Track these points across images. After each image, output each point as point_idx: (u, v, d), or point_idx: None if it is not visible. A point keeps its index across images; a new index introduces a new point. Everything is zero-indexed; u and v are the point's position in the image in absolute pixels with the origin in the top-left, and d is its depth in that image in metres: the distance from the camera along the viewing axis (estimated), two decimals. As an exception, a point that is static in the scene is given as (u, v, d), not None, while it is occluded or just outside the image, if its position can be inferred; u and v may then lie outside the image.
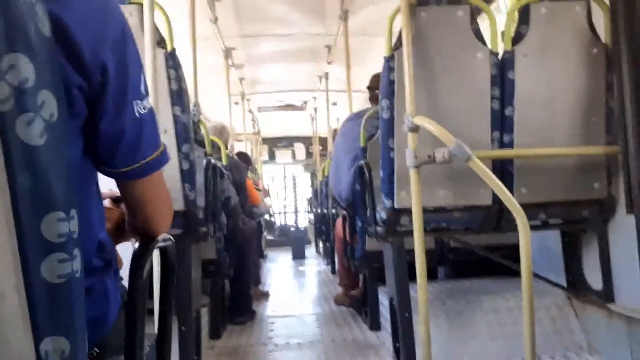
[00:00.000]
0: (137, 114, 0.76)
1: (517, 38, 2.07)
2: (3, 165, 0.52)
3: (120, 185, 0.83)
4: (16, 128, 0.52)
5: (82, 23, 0.67)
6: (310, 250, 8.30)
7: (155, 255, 1.07)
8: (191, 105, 2.30)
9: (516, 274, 1.73)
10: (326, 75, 5.82)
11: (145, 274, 0.78)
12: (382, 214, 2.13)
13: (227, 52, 4.97)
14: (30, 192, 0.53)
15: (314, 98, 7.40)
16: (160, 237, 0.87)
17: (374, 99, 2.97)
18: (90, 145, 0.75)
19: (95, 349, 0.86)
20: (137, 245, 0.84)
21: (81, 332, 0.60)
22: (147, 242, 0.85)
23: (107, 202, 1.01)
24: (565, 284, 2.36)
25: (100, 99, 0.71)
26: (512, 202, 1.63)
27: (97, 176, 0.83)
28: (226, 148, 3.93)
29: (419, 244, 1.84)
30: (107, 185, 0.91)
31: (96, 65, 0.69)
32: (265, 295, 4.49)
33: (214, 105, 6.30)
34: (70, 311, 0.58)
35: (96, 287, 0.82)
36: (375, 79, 2.91)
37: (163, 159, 0.83)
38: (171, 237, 0.92)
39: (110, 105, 0.72)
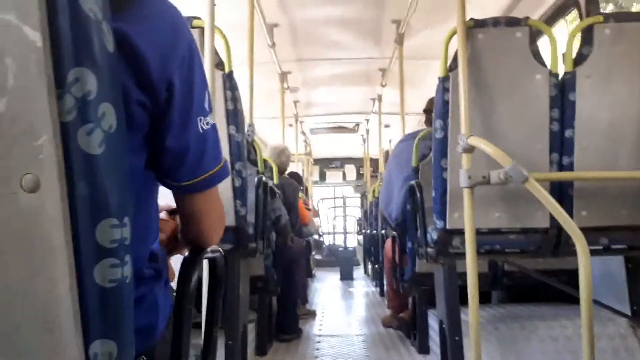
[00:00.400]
0: (200, 130, 0.78)
1: (579, 59, 2.01)
2: (64, 172, 0.54)
3: (178, 198, 0.85)
4: (78, 137, 0.54)
5: (151, 40, 0.69)
6: (358, 272, 8.22)
7: (205, 268, 1.09)
8: (246, 126, 2.36)
9: (575, 300, 1.65)
10: (379, 98, 5.83)
11: (193, 282, 0.79)
12: (433, 235, 2.09)
13: (283, 76, 5.08)
14: (87, 199, 0.56)
15: (367, 120, 7.41)
16: (209, 249, 0.88)
17: (429, 122, 2.94)
18: (154, 159, 0.77)
19: (143, 357, 0.87)
20: (187, 254, 0.86)
21: (129, 337, 0.61)
22: (197, 252, 0.87)
23: (163, 214, 1.03)
24: (629, 313, 2.23)
25: (166, 114, 0.73)
26: (571, 225, 1.57)
27: (157, 189, 0.85)
28: (285, 169, 4.03)
29: (471, 265, 1.79)
30: (164, 197, 0.94)
31: (163, 81, 0.71)
32: (312, 314, 4.47)
33: (268, 127, 6.42)
34: (120, 315, 0.59)
35: (146, 297, 0.83)
36: (432, 101, 2.89)
37: (224, 172, 0.85)
38: (220, 250, 0.94)
39: (175, 121, 0.74)
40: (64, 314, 0.55)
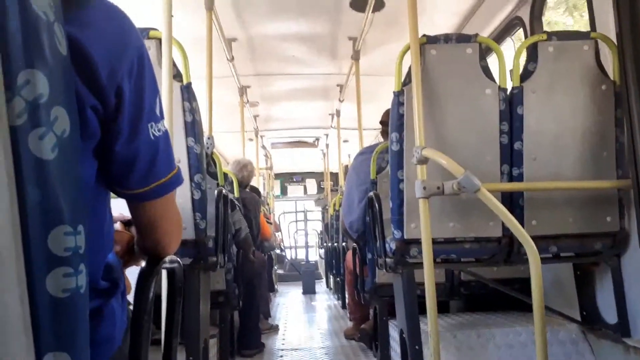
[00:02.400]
0: (152, 136, 0.77)
1: (526, 75, 2.10)
2: (13, 177, 0.52)
3: (131, 207, 0.83)
4: (28, 142, 0.53)
5: (101, 45, 0.68)
6: (320, 285, 8.22)
7: (163, 280, 1.07)
8: (205, 139, 2.35)
9: (528, 308, 1.70)
10: (338, 113, 5.91)
11: (151, 293, 0.78)
12: (391, 245, 2.12)
13: (242, 90, 5.08)
14: (39, 205, 0.54)
15: (326, 135, 7.48)
16: (167, 259, 0.87)
17: (385, 134, 3.00)
18: (104, 167, 0.75)
19: (100, 371, 0.85)
20: (144, 264, 0.84)
21: (84, 350, 0.59)
22: (154, 262, 0.85)
23: (117, 226, 1.01)
24: (579, 318, 2.31)
25: (115, 120, 0.72)
26: (522, 233, 1.62)
27: (110, 199, 0.84)
28: (248, 184, 4.01)
29: (428, 274, 1.82)
30: (118, 208, 0.92)
31: (112, 86, 0.70)
32: (274, 328, 4.44)
33: (228, 141, 6.39)
34: (74, 327, 0.57)
35: (102, 309, 0.81)
36: (387, 113, 2.95)
37: (177, 180, 0.83)
38: (178, 260, 0.93)
39: (125, 127, 0.73)
40: (13, 325, 0.53)
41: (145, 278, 0.80)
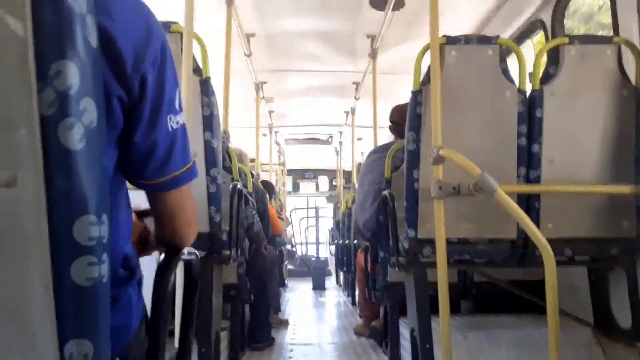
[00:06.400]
0: (170, 128, 0.78)
1: (546, 78, 2.08)
2: (42, 166, 0.53)
3: (150, 197, 0.85)
4: (58, 132, 0.53)
5: (127, 35, 0.70)
6: (330, 281, 8.23)
7: (179, 276, 1.09)
8: (221, 133, 2.36)
9: (542, 310, 1.69)
10: (353, 111, 5.89)
11: (170, 284, 0.79)
12: (404, 244, 2.12)
13: (259, 86, 5.09)
14: (66, 195, 0.55)
15: (340, 132, 7.47)
16: (185, 250, 0.88)
17: (394, 132, 3.00)
18: (123, 157, 0.77)
19: (117, 358, 0.87)
20: (162, 257, 0.85)
21: (105, 337, 0.60)
22: (173, 253, 0.86)
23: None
24: (592, 322, 2.29)
25: (136, 110, 0.73)
26: (537, 236, 1.61)
27: (127, 189, 0.85)
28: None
29: (441, 274, 1.81)
30: (132, 200, 0.93)
31: (137, 76, 0.71)
32: (284, 323, 4.46)
33: (242, 136, 6.42)
34: (96, 315, 0.58)
35: (120, 298, 0.83)
36: (397, 111, 2.94)
37: (192, 173, 0.85)
38: (196, 252, 0.94)
39: (145, 117, 0.74)
40: (38, 312, 0.54)
41: (164, 269, 0.82)
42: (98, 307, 0.58)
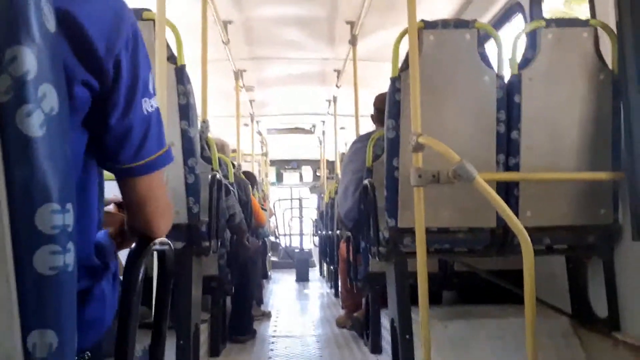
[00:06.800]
0: (145, 111, 0.78)
1: (524, 62, 2.08)
2: (0, 155, 0.52)
3: (122, 184, 0.84)
4: (15, 119, 0.53)
5: (97, 20, 0.69)
6: (314, 273, 8.25)
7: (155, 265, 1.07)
8: (199, 122, 2.32)
9: (521, 300, 1.70)
10: (335, 99, 5.87)
11: (140, 274, 0.78)
12: (385, 234, 2.12)
13: (238, 74, 5.04)
14: (27, 183, 0.54)
15: (323, 122, 7.45)
16: (157, 240, 0.87)
17: (376, 120, 2.99)
18: (97, 141, 0.76)
19: (88, 352, 0.85)
20: (134, 245, 0.84)
21: (71, 328, 0.59)
22: (144, 242, 0.85)
23: (111, 207, 1.01)
24: (570, 311, 2.32)
25: (111, 94, 0.73)
26: (516, 224, 1.61)
27: (101, 176, 0.84)
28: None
29: (421, 263, 1.82)
30: (112, 190, 0.91)
31: (110, 58, 0.71)
32: (266, 315, 4.46)
33: (223, 126, 6.36)
34: (60, 305, 0.57)
35: (93, 290, 0.81)
36: (380, 99, 2.93)
37: (168, 157, 0.84)
38: (169, 242, 0.92)
39: (121, 101, 0.74)
40: (0, 302, 0.53)
41: (134, 258, 0.80)
42: (63, 296, 0.57)
